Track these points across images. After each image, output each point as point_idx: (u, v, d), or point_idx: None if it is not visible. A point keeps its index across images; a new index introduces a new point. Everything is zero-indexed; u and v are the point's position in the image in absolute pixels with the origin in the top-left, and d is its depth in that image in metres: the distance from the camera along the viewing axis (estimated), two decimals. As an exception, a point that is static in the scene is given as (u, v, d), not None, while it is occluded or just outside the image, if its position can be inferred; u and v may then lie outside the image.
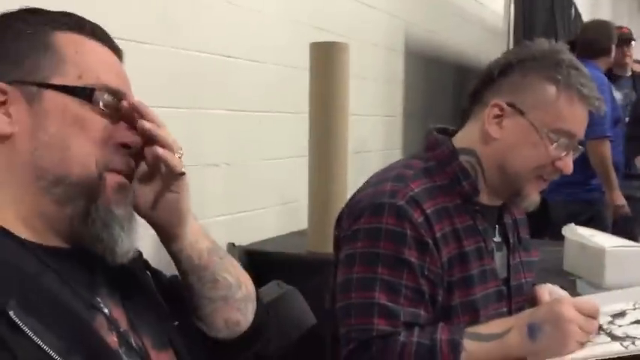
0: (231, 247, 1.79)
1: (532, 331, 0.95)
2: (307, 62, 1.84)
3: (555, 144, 1.04)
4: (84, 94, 0.69)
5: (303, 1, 2.27)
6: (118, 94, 0.72)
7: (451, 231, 1.04)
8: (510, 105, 1.05)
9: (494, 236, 1.12)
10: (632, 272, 1.45)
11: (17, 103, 0.68)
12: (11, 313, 0.58)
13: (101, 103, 0.70)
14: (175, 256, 0.78)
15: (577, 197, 2.86)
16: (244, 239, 1.87)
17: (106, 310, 0.69)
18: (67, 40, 0.71)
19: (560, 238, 1.75)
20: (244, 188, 1.97)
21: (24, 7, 0.73)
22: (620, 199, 2.88)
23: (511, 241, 1.15)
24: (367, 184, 1.11)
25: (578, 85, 1.03)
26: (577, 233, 1.67)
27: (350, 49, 1.86)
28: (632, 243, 1.57)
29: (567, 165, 1.06)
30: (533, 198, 1.08)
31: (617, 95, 3.36)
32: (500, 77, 1.07)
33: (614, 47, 3.08)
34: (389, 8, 2.97)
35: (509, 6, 4.50)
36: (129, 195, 0.73)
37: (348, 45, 1.87)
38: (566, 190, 2.81)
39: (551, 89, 1.04)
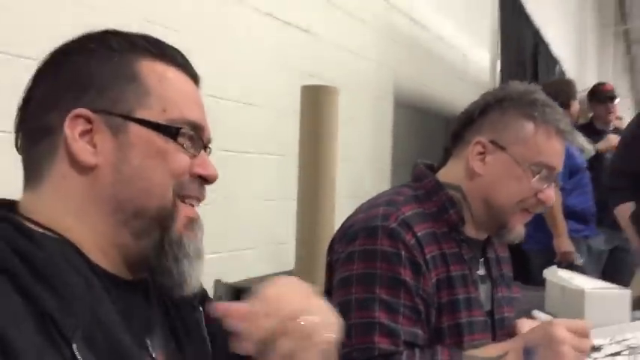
0: (218, 284, 1.81)
1: (528, 354, 0.98)
2: (298, 106, 1.91)
3: (537, 176, 1.09)
4: (169, 131, 0.68)
5: (296, 48, 2.36)
6: (199, 129, 0.72)
7: (439, 255, 1.08)
8: (492, 142, 1.11)
9: (479, 269, 1.16)
10: (610, 313, 1.49)
11: (102, 133, 0.67)
12: (74, 347, 0.57)
13: (183, 139, 0.70)
14: None
15: (547, 243, 2.91)
16: (231, 277, 1.89)
17: (153, 355, 0.68)
18: (150, 70, 0.71)
19: (539, 284, 1.79)
20: (234, 227, 2.00)
21: (106, 30, 0.72)
22: (568, 246, 2.92)
23: (495, 275, 1.19)
24: (359, 210, 1.15)
25: (554, 121, 1.09)
26: (557, 276, 1.70)
27: (340, 96, 1.92)
28: (610, 285, 1.60)
29: (549, 196, 1.11)
30: (518, 230, 1.13)
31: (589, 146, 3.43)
32: (481, 117, 1.14)
33: (574, 103, 3.19)
34: (378, 58, 3.07)
35: (496, 62, 4.65)
36: (200, 230, 0.72)
37: (338, 89, 1.94)
38: (541, 238, 2.87)
39: (529, 125, 1.10)
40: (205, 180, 0.72)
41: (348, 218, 1.15)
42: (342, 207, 2.12)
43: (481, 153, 1.12)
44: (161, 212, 0.68)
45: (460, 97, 4.13)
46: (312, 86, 1.93)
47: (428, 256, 1.06)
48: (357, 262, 1.04)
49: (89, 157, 0.66)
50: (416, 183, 1.17)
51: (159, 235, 0.68)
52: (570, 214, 2.95)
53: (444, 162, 1.20)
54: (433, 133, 3.82)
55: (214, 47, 1.91)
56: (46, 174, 0.68)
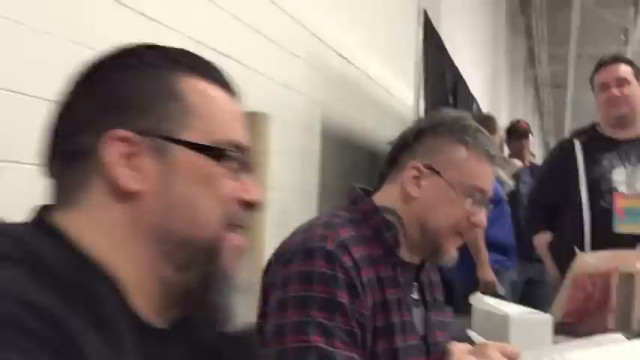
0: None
1: None
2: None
3: (470, 200, 1.12)
4: (215, 154, 0.64)
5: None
6: (244, 150, 0.67)
7: (375, 278, 1.08)
8: (427, 166, 1.14)
9: (413, 293, 1.17)
10: (535, 339, 1.53)
11: (144, 156, 0.61)
12: None
13: (229, 162, 0.65)
14: None
15: (470, 276, 2.99)
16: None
17: None
18: (192, 88, 0.65)
19: (463, 312, 1.83)
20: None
21: (141, 43, 0.67)
22: (490, 276, 3.02)
23: (428, 299, 1.20)
24: (295, 232, 1.14)
25: (485, 146, 1.14)
26: (483, 302, 1.74)
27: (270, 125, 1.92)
28: (533, 311, 1.66)
29: (482, 220, 1.14)
30: (452, 253, 1.15)
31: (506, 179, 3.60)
32: (415, 141, 1.17)
33: (496, 137, 3.36)
34: (308, 91, 3.11)
35: (418, 99, 4.81)
36: (244, 260, 0.68)
37: (268, 115, 1.94)
38: (464, 268, 2.95)
39: (462, 150, 1.14)
40: (250, 206, 0.66)
41: (284, 241, 1.14)
42: (270, 235, 2.09)
43: (416, 177, 1.15)
44: (208, 243, 0.63)
45: (384, 132, 4.23)
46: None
47: (364, 279, 1.06)
48: (293, 284, 1.03)
49: (131, 183, 0.61)
50: (352, 206, 1.18)
51: (204, 267, 0.63)
52: (491, 245, 3.05)
53: (379, 186, 1.22)
54: (358, 166, 3.88)
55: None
56: (80, 201, 0.61)
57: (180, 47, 0.69)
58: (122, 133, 0.61)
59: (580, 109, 14.29)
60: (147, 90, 0.63)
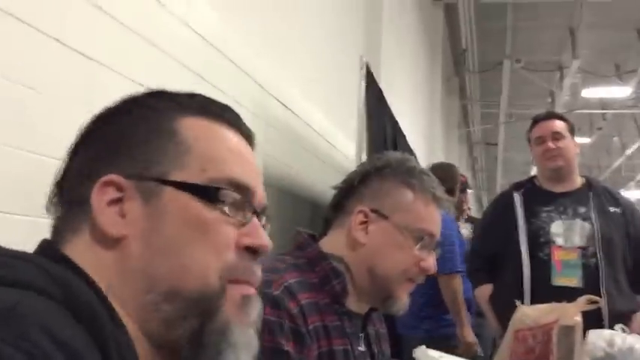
0: None
1: None
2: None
3: (419, 244, 1.09)
4: (207, 193, 0.58)
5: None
6: (246, 191, 0.61)
7: (322, 327, 1.03)
8: (374, 211, 1.11)
9: (360, 345, 1.12)
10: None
11: (132, 200, 0.59)
12: None
13: (227, 204, 0.59)
14: None
15: (434, 333, 2.94)
16: None
17: None
18: (190, 126, 0.61)
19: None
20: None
21: (148, 90, 0.64)
22: (472, 337, 2.97)
23: (375, 351, 1.16)
24: None
25: (431, 189, 1.12)
26: (428, 355, 1.70)
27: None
28: (479, 363, 1.63)
29: (431, 265, 1.12)
30: (403, 301, 1.12)
31: (465, 232, 3.64)
32: (361, 185, 1.14)
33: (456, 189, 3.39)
34: (249, 138, 3.07)
35: (361, 153, 4.86)
36: (254, 312, 0.60)
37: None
38: (423, 326, 2.90)
39: (408, 193, 1.12)
40: (255, 252, 0.60)
41: None
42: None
43: (363, 222, 1.12)
44: (202, 297, 0.56)
45: (325, 182, 4.24)
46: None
47: (311, 327, 1.01)
48: None
49: (115, 229, 0.58)
50: (297, 252, 1.13)
51: (198, 323, 0.56)
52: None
53: (324, 232, 1.19)
54: (298, 214, 3.84)
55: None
56: (73, 246, 0.58)
57: (192, 91, 0.65)
58: (111, 178, 0.59)
59: (511, 166, 14.87)
60: (141, 132, 0.61)
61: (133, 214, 0.59)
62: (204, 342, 0.57)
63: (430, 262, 1.12)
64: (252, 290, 0.61)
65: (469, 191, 4.20)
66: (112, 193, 0.59)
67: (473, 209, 7.30)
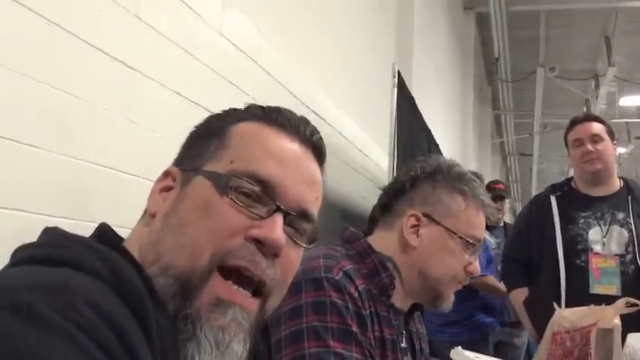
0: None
1: None
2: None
3: (470, 249, 1.11)
4: (220, 180, 0.62)
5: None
6: (270, 187, 0.62)
7: (375, 313, 1.07)
8: (426, 215, 1.13)
9: (402, 341, 1.14)
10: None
11: (177, 187, 0.67)
12: None
13: (240, 193, 0.61)
14: None
15: (460, 336, 2.94)
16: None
17: None
18: (242, 128, 0.67)
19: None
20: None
21: (249, 104, 0.73)
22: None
23: (417, 347, 1.17)
24: None
25: (481, 196, 1.14)
26: (464, 356, 1.70)
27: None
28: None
29: (476, 268, 1.14)
30: (451, 299, 1.15)
31: (492, 240, 3.62)
32: (412, 189, 1.16)
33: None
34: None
35: (392, 163, 4.86)
36: (234, 322, 0.59)
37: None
38: (449, 330, 2.89)
39: (460, 199, 1.14)
40: (262, 245, 0.60)
41: None
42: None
43: (414, 226, 1.14)
44: (186, 275, 0.58)
45: (358, 193, 4.25)
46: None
47: (367, 312, 1.04)
48: (308, 314, 0.99)
49: (154, 208, 0.67)
50: (346, 245, 1.16)
51: (178, 302, 0.58)
52: (480, 306, 3.01)
53: (370, 231, 1.21)
54: (329, 223, 3.85)
55: (118, 117, 1.85)
56: (134, 229, 0.70)
57: (283, 107, 0.71)
58: (170, 169, 0.70)
59: (545, 176, 14.65)
60: (204, 136, 0.70)
61: (170, 198, 0.66)
62: (179, 326, 0.58)
63: (476, 265, 1.15)
64: (234, 297, 0.60)
65: (507, 199, 4.15)
66: (166, 182, 0.69)
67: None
